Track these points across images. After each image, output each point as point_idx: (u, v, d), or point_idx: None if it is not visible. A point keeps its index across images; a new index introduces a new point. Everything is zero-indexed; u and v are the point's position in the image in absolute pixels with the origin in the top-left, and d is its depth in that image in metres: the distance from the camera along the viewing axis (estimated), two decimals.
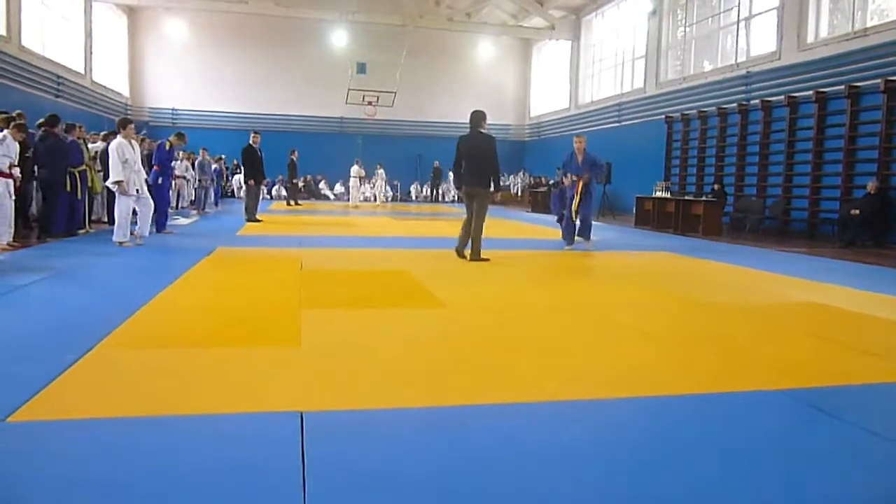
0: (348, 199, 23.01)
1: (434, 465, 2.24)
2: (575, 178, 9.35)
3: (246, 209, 13.49)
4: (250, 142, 13.64)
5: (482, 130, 7.80)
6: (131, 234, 8.68)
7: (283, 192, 23.91)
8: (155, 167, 10.46)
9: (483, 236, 7.88)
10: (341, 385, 3.09)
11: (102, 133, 12.21)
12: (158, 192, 10.44)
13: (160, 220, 10.36)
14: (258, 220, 13.15)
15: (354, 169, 22.09)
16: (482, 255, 7.81)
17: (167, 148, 10.88)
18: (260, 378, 3.15)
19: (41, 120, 9.34)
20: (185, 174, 16.26)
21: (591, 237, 9.96)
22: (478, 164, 7.76)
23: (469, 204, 7.98)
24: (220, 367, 3.32)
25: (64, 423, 2.54)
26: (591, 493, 2.09)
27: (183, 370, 3.25)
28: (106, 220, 11.59)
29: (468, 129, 7.87)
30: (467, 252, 7.88)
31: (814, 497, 2.11)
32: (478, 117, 7.81)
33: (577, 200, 9.37)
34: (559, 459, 2.33)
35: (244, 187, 14.43)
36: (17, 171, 7.96)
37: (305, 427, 2.51)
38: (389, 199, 25.80)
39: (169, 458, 2.22)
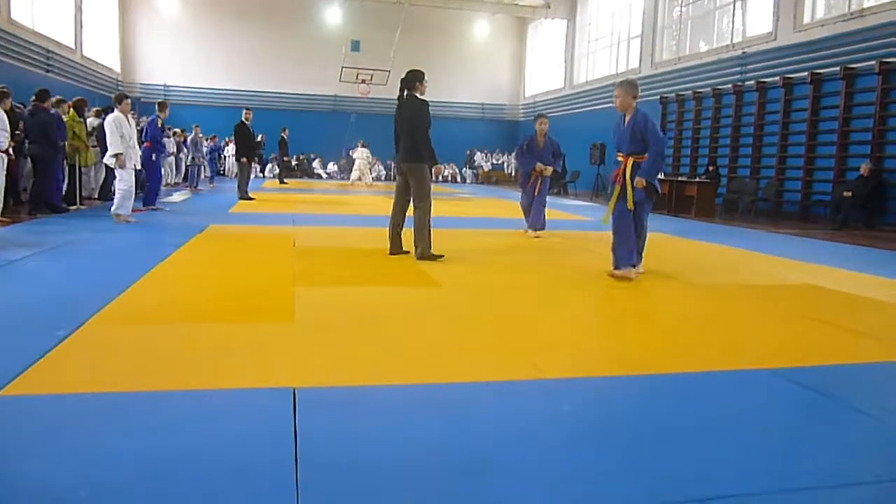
0: (343, 178, 22.77)
1: (427, 443, 2.25)
2: (620, 159, 5.81)
3: (238, 187, 13.42)
4: (243, 119, 13.55)
5: (417, 94, 6.22)
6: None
7: (277, 171, 23.75)
8: (146, 144, 10.37)
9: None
10: (334, 362, 3.09)
11: (94, 109, 12.10)
12: (153, 169, 10.44)
13: (150, 196, 10.40)
14: (251, 198, 13.08)
15: (362, 151, 21.62)
16: (434, 252, 6.21)
17: (158, 125, 10.80)
18: (253, 354, 3.14)
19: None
20: (172, 150, 16.07)
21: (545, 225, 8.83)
22: (407, 134, 6.20)
23: (403, 186, 6.38)
24: (213, 342, 3.32)
25: (56, 397, 2.53)
26: (586, 469, 2.10)
27: (175, 345, 3.24)
28: (97, 196, 11.53)
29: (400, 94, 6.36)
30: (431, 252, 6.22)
31: (805, 474, 2.13)
32: (410, 78, 6.24)
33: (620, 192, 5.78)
34: (553, 437, 2.34)
35: (237, 165, 14.36)
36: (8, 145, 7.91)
37: (298, 403, 2.51)
38: (373, 179, 23.90)
39: (161, 433, 2.22)
